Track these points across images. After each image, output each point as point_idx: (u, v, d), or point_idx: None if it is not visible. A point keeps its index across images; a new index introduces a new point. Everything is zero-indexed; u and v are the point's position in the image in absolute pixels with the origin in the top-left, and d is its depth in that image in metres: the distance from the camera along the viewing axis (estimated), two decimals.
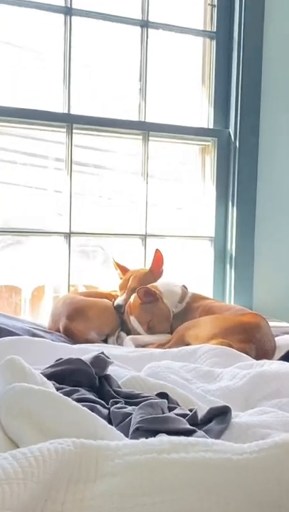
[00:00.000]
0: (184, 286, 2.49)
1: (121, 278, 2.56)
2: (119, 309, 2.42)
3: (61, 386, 1.25)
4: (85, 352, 1.73)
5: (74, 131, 2.67)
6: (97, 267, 2.95)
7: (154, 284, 2.45)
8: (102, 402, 1.23)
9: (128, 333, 2.39)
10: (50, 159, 2.77)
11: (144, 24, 2.82)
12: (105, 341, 2.34)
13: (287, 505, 0.88)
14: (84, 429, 0.98)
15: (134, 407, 1.18)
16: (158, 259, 2.52)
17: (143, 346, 2.22)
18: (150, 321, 2.33)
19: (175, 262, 2.97)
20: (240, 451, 0.92)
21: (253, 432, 1.14)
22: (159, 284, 2.46)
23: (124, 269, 2.59)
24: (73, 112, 2.68)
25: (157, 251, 2.51)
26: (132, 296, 2.38)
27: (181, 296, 2.42)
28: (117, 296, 2.52)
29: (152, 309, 2.34)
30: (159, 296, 2.36)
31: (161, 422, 1.08)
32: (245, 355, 1.82)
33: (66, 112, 2.67)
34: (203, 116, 3.00)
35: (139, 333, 2.33)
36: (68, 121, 2.66)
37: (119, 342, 2.36)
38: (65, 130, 2.67)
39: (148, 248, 2.84)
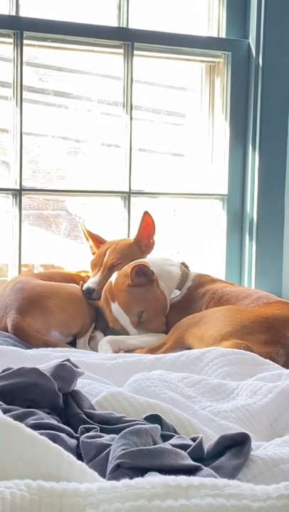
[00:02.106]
0: (183, 264, 2.49)
1: (94, 253, 2.56)
2: (89, 295, 2.41)
3: (10, 407, 1.26)
4: (44, 359, 1.73)
5: (25, 41, 2.64)
6: (61, 239, 2.94)
7: (143, 260, 2.45)
8: (69, 429, 1.23)
9: (106, 332, 2.39)
10: None
11: None
12: (73, 344, 2.35)
13: None
14: (43, 467, 0.99)
15: (113, 435, 1.19)
16: (147, 225, 2.52)
17: (127, 351, 2.23)
18: (143, 312, 2.32)
19: (171, 230, 2.97)
20: (262, 496, 0.93)
21: (281, 469, 1.16)
22: (149, 261, 2.46)
23: (98, 240, 2.59)
24: (24, 13, 2.66)
25: (146, 215, 2.51)
26: (113, 276, 2.38)
27: (181, 278, 2.43)
28: (88, 278, 2.52)
29: (145, 295, 2.33)
30: (155, 278, 2.36)
31: (151, 455, 1.09)
32: (270, 362, 1.84)
33: (14, 14, 2.64)
34: (211, 21, 2.98)
35: (123, 328, 2.33)
36: (17, 27, 2.63)
37: (92, 345, 2.37)
38: (11, 41, 2.64)
39: (133, 211, 2.84)
